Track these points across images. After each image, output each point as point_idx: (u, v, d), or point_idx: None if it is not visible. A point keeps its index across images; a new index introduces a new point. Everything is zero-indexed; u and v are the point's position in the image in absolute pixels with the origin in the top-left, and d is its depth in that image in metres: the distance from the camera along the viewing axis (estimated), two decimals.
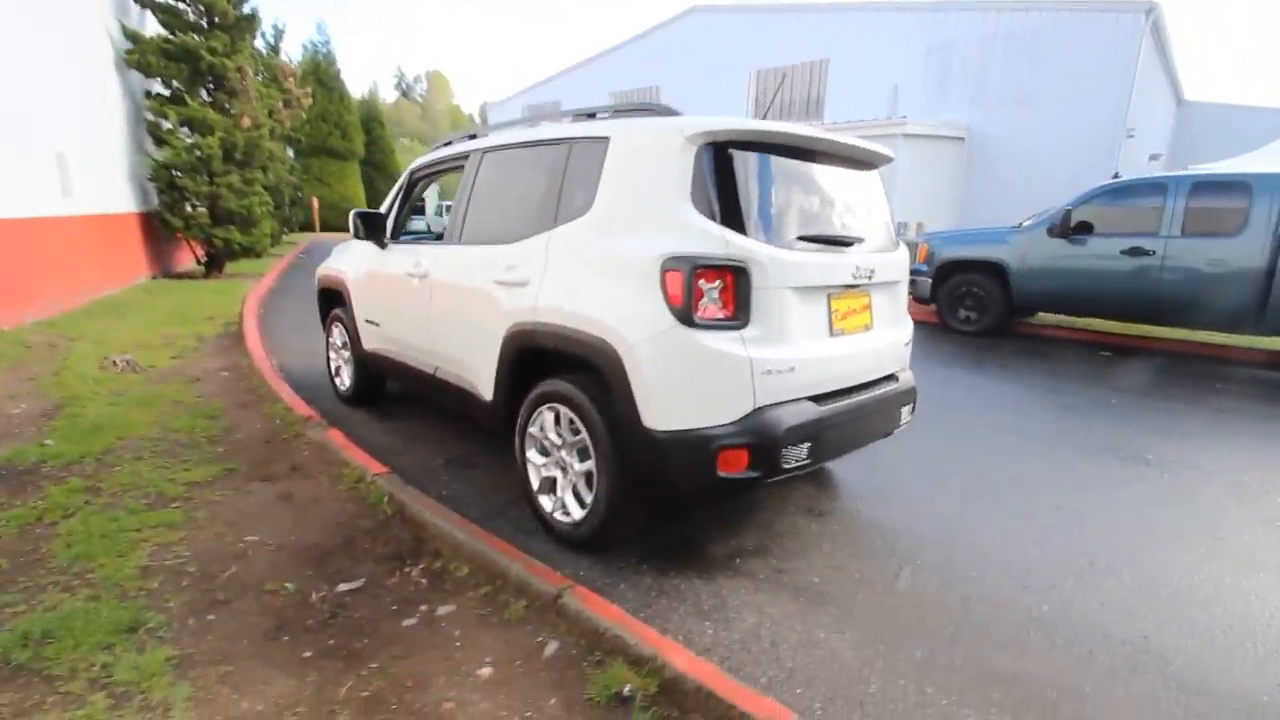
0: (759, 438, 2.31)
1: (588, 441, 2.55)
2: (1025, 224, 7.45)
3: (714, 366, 2.27)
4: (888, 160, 2.93)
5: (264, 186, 10.76)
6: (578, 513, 2.65)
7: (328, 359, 4.87)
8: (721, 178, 2.38)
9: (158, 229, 9.77)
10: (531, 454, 2.87)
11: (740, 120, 2.40)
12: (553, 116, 3.21)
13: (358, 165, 27.55)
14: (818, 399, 2.51)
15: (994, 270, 7.43)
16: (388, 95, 70.84)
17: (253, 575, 2.43)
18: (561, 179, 2.77)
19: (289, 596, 2.31)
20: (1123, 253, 6.51)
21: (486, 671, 1.95)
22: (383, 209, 4.05)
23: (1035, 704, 1.92)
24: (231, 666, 1.93)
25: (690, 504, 3.10)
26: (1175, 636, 2.26)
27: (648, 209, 2.41)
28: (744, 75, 19.85)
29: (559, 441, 2.73)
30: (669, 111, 2.60)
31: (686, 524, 2.93)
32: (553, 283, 2.64)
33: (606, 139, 2.61)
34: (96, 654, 1.92)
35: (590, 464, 2.56)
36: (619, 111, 2.79)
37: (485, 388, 3.06)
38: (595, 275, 2.51)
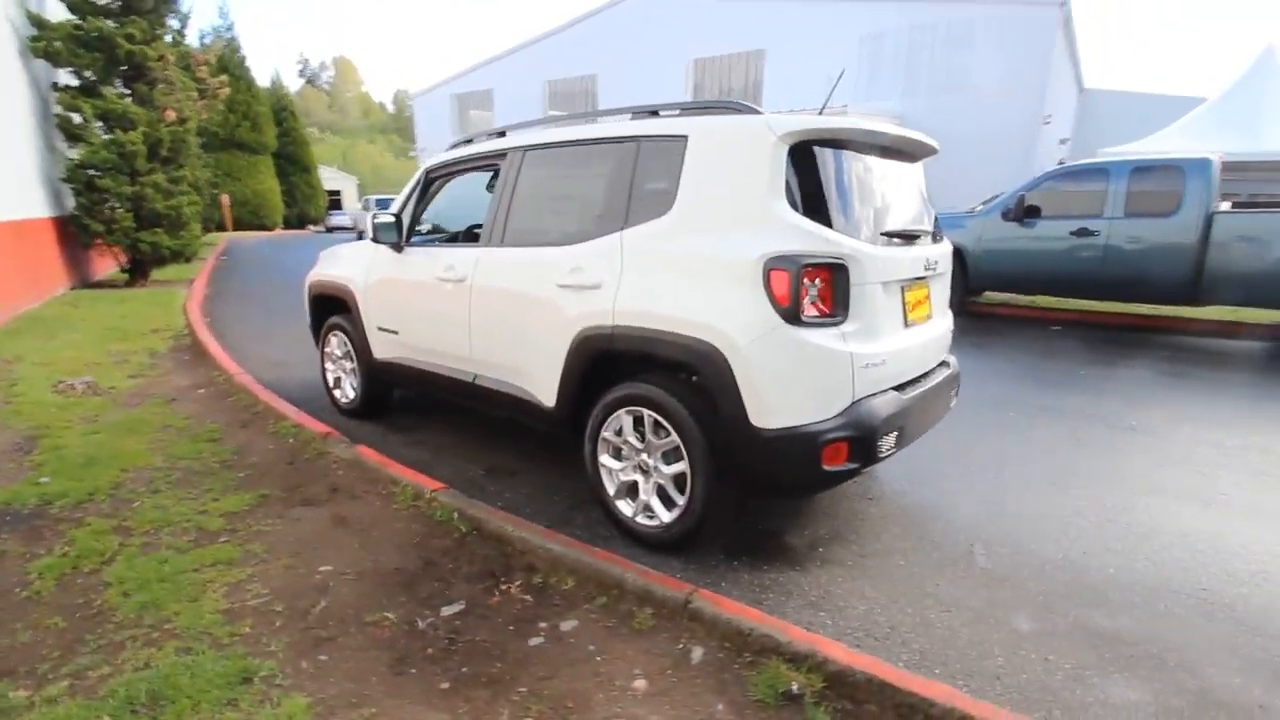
0: (859, 430, 2.38)
1: (679, 443, 2.53)
2: (978, 209, 7.89)
3: (820, 363, 2.32)
4: (934, 152, 3.04)
5: (190, 185, 9.96)
6: (667, 515, 2.64)
7: (323, 370, 4.60)
8: (809, 176, 2.41)
9: (73, 235, 8.87)
10: (605, 459, 2.83)
11: (823, 119, 2.44)
12: (601, 114, 3.14)
13: (270, 159, 25.94)
14: (899, 388, 2.60)
15: (954, 254, 7.84)
16: (292, 83, 66.85)
17: (345, 607, 2.29)
18: (631, 177, 2.72)
19: (394, 626, 2.20)
20: (1071, 234, 7.02)
21: (641, 684, 1.93)
22: (393, 210, 3.85)
23: (1144, 660, 2.08)
24: (375, 708, 1.83)
25: (763, 498, 3.13)
26: (1227, 585, 2.50)
27: (739, 208, 2.42)
28: (682, 64, 19.97)
29: (640, 445, 2.70)
30: (744, 109, 2.60)
31: (756, 517, 2.98)
32: (633, 285, 2.60)
33: (684, 137, 2.58)
34: (223, 712, 1.77)
35: (681, 466, 2.55)
36: (687, 109, 2.76)
37: (545, 394, 2.99)
38: (683, 276, 2.49)
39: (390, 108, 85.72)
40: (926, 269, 2.76)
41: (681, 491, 2.58)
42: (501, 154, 3.33)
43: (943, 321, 3.09)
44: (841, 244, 2.34)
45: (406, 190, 3.87)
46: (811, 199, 2.40)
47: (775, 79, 18.44)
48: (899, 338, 2.60)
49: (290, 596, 2.33)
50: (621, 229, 2.71)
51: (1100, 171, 7.01)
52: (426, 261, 3.63)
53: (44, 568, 2.43)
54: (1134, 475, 3.51)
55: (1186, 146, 11.02)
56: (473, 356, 3.36)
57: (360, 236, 24.49)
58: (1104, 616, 2.30)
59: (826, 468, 2.35)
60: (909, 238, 2.73)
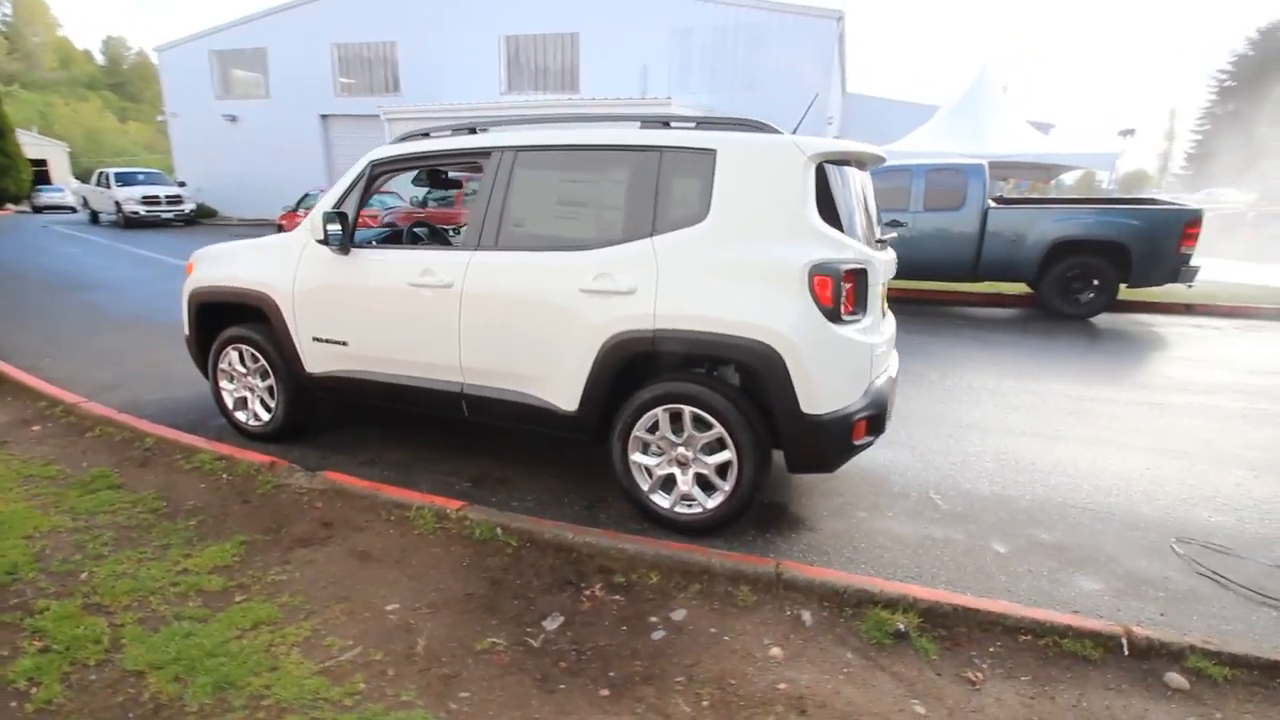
0: (877, 408, 2.83)
1: (723, 434, 2.76)
2: None
3: (852, 355, 2.71)
4: (882, 161, 3.53)
5: None
6: (710, 502, 2.85)
7: (217, 391, 3.98)
8: (825, 190, 2.75)
9: None
10: (636, 456, 2.95)
11: (835, 141, 2.80)
12: (599, 119, 3.16)
13: None
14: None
15: None
16: None
17: (445, 641, 2.18)
18: (655, 186, 2.84)
19: (509, 650, 2.16)
20: (886, 225, 8.37)
21: (776, 651, 2.16)
22: (333, 207, 3.45)
23: (1086, 559, 2.80)
24: None
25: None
26: (1102, 497, 3.38)
27: (777, 219, 2.68)
28: (493, 38, 19.29)
29: (677, 440, 2.88)
30: (764, 127, 2.85)
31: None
32: (674, 289, 2.73)
33: (712, 151, 2.76)
34: None
35: (725, 455, 2.78)
36: (703, 123, 2.93)
37: (564, 399, 3.00)
38: (728, 281, 2.69)
39: (100, 58, 70.13)
40: (891, 269, 3.28)
41: (725, 479, 2.82)
42: (483, 152, 3.20)
43: (891, 315, 3.67)
44: (863, 251, 2.74)
45: (345, 184, 3.50)
46: (829, 211, 2.75)
47: (591, 63, 18.71)
48: (882, 329, 3.09)
49: (379, 642, 2.15)
50: (650, 235, 2.82)
51: (906, 171, 8.42)
52: (390, 265, 3.36)
53: (30, 671, 1.94)
54: (994, 422, 4.48)
55: (930, 148, 13.53)
56: (463, 365, 3.21)
57: (95, 217, 20.16)
58: (1045, 533, 3.03)
59: (856, 442, 2.77)
60: (882, 243, 3.22)
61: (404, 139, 3.51)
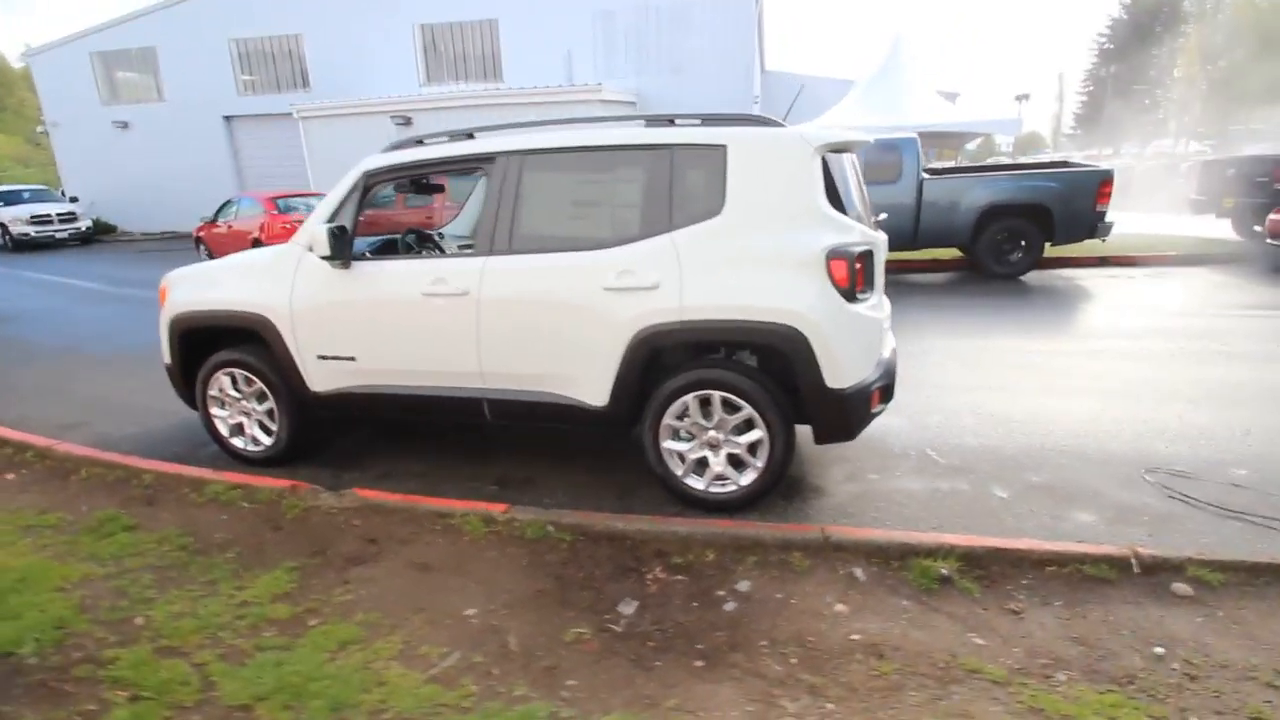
0: (889, 378, 3.08)
1: (752, 415, 2.93)
2: None
3: (867, 331, 2.93)
4: (868, 144, 3.73)
5: None
6: (745, 480, 3.02)
7: (208, 419, 3.84)
8: (830, 178, 2.94)
9: None
10: (668, 443, 3.09)
11: (837, 131, 2.99)
12: (602, 120, 3.22)
13: None
14: None
15: None
16: None
17: (534, 637, 2.26)
18: (669, 183, 2.94)
19: (595, 637, 2.27)
20: None
21: (841, 608, 2.36)
22: (330, 220, 3.38)
23: (1076, 496, 3.14)
24: (674, 700, 1.96)
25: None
26: (1075, 439, 3.75)
27: (790, 208, 2.85)
28: (407, 27, 18.59)
29: (707, 424, 3.03)
30: (767, 121, 3.00)
31: None
32: (698, 281, 2.86)
33: (722, 146, 2.89)
34: None
35: (755, 434, 2.95)
36: (708, 120, 3.04)
37: (594, 395, 3.09)
38: (749, 270, 2.84)
39: None
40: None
41: (756, 457, 2.99)
42: (488, 158, 3.21)
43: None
44: (868, 233, 2.95)
45: (339, 196, 3.43)
46: (832, 196, 2.94)
47: (513, 51, 18.34)
48: (884, 306, 3.32)
49: (472, 645, 2.21)
50: (669, 230, 2.93)
51: None
52: (398, 276, 3.34)
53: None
54: (960, 380, 4.85)
55: (851, 122, 14.08)
56: (484, 371, 3.25)
57: (7, 240, 18.22)
58: (1034, 476, 3.36)
59: (873, 410, 3.00)
60: (878, 224, 3.45)
61: (396, 147, 3.46)
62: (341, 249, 3.27)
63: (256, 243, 12.07)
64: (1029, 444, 3.72)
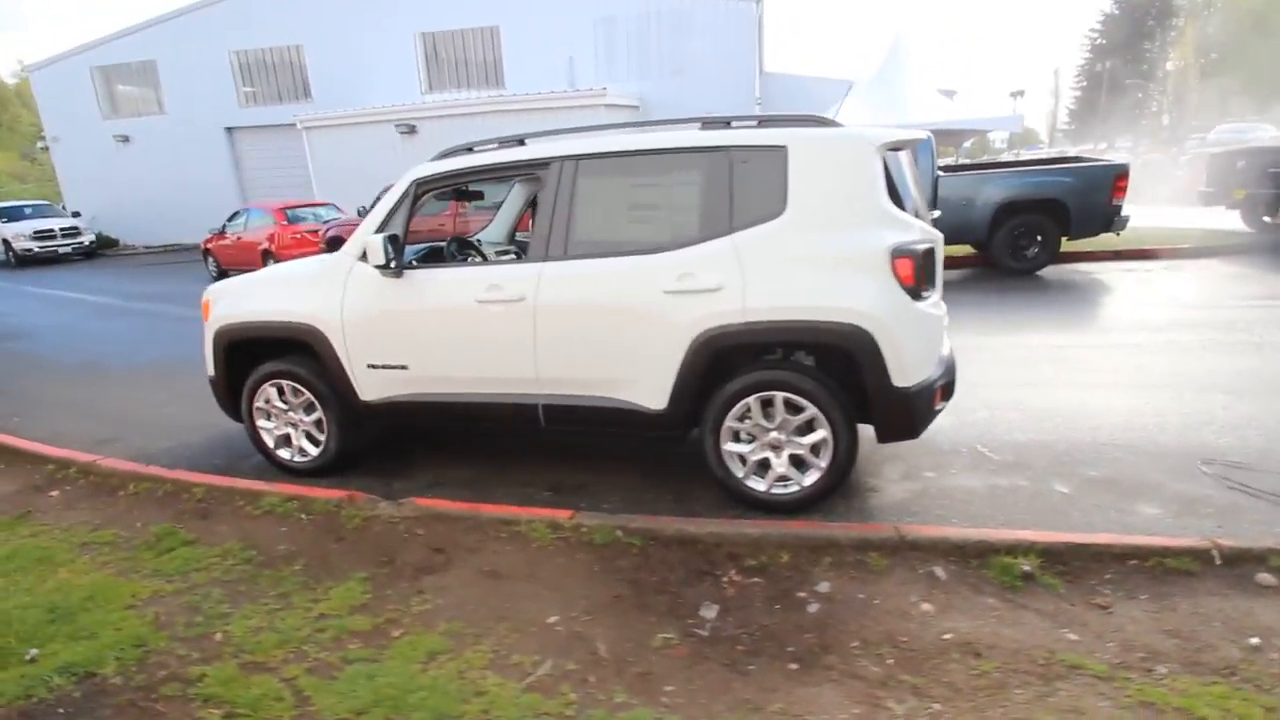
0: (950, 375, 3.08)
1: (816, 414, 2.92)
2: None
3: (932, 328, 2.92)
4: (923, 141, 3.70)
5: None
6: (808, 480, 3.01)
7: (254, 431, 3.82)
8: (890, 177, 2.93)
9: None
10: (729, 445, 3.07)
11: (897, 130, 2.98)
12: (657, 124, 3.22)
13: None
14: None
15: None
16: None
17: (621, 643, 2.24)
18: (729, 185, 2.93)
19: (684, 642, 2.25)
20: None
21: (927, 607, 2.35)
22: (381, 230, 3.37)
23: (1137, 488, 3.13)
24: (780, 704, 1.95)
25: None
26: (1126, 433, 3.73)
27: (854, 208, 2.84)
28: (408, 36, 18.59)
29: (769, 425, 3.01)
30: (826, 121, 3.00)
31: None
32: (761, 283, 2.85)
33: (783, 148, 2.88)
34: None
35: (819, 434, 2.94)
36: (765, 121, 3.04)
37: (652, 399, 3.08)
38: (813, 270, 2.84)
39: None
40: None
41: (819, 456, 2.98)
42: (542, 163, 3.20)
43: None
44: (929, 231, 2.94)
45: (389, 205, 3.41)
46: (893, 195, 2.94)
47: (515, 57, 18.35)
48: (941, 303, 3.32)
49: (561, 653, 2.19)
50: (729, 233, 2.93)
51: None
52: (452, 284, 3.33)
53: None
54: (998, 376, 4.83)
55: (857, 121, 14.13)
56: (540, 377, 3.23)
57: (10, 256, 18.15)
58: (1093, 471, 3.36)
59: (936, 408, 2.99)
60: (935, 221, 3.45)
61: (446, 155, 3.45)
62: (395, 258, 3.25)
63: (266, 254, 12.05)
64: (1079, 438, 3.71)
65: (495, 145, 3.40)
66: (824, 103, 17.36)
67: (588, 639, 2.27)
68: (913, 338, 2.83)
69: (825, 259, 2.83)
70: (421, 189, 3.41)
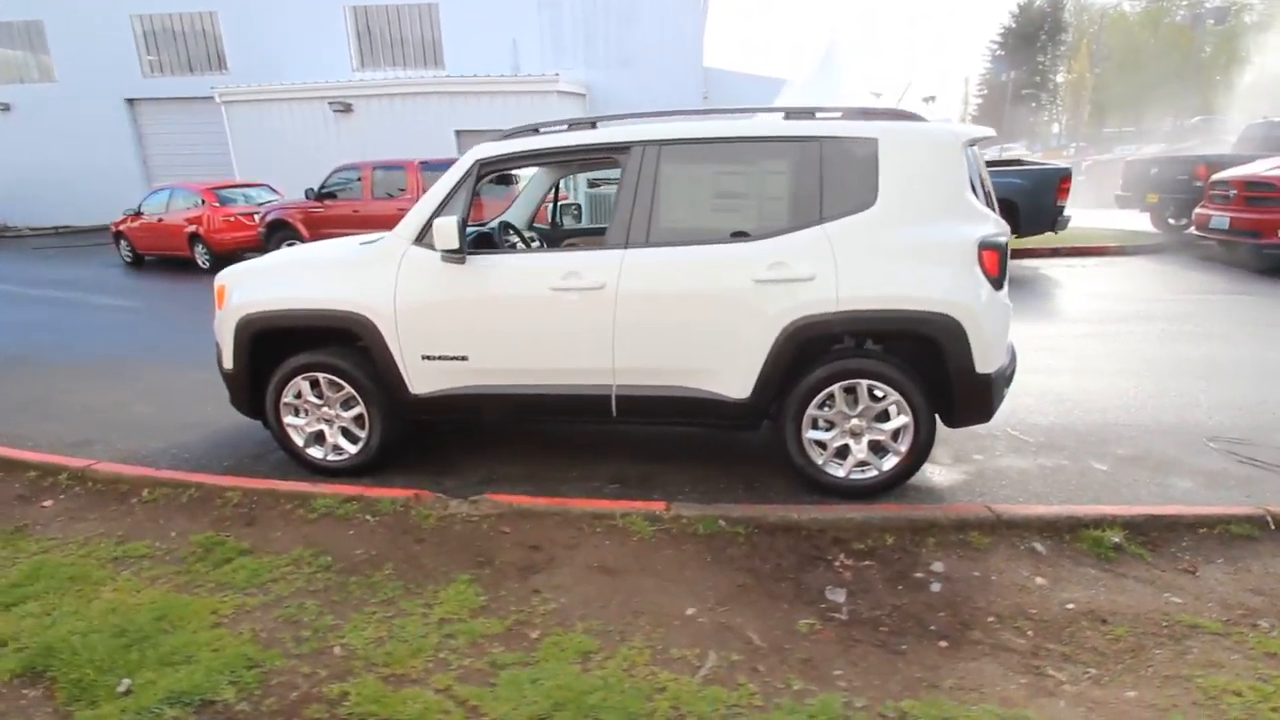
0: (1014, 361, 3.25)
1: (899, 400, 3.01)
2: None
3: (1007, 316, 3.07)
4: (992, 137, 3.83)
5: None
6: (888, 465, 3.11)
7: (281, 427, 3.54)
8: (972, 173, 3.05)
9: None
10: (812, 434, 3.13)
11: (975, 127, 3.09)
12: (740, 111, 3.19)
13: None
14: None
15: None
16: None
17: (771, 631, 2.24)
18: (819, 175, 2.96)
19: (828, 627, 2.28)
20: None
21: (1040, 580, 2.48)
22: (433, 211, 3.18)
23: (1169, 464, 3.43)
24: (951, 680, 2.00)
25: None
26: (1157, 412, 4.07)
27: (941, 201, 2.94)
28: (337, 8, 17.52)
29: (851, 412, 3.08)
30: (909, 115, 3.07)
31: None
32: (854, 273, 2.90)
33: (874, 140, 2.94)
34: None
35: (901, 420, 3.04)
36: (849, 113, 3.08)
37: (734, 388, 3.08)
38: (902, 261, 2.91)
39: None
40: None
41: (898, 441, 3.08)
42: (620, 147, 3.11)
43: None
44: (1001, 223, 3.08)
45: (449, 185, 3.23)
46: (979, 191, 3.06)
47: (455, 36, 17.65)
48: None
49: (717, 644, 2.16)
50: (820, 223, 2.96)
51: None
52: (524, 271, 3.19)
53: None
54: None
55: None
56: (616, 367, 3.16)
57: None
58: (1120, 450, 3.64)
59: (1004, 392, 3.15)
60: None
61: (511, 135, 3.30)
62: (464, 243, 3.07)
63: (194, 237, 11.12)
64: (1095, 420, 4.01)
65: (565, 126, 3.28)
66: (756, 100, 17.73)
67: (735, 629, 2.26)
68: (995, 326, 2.97)
69: (916, 250, 2.92)
70: (485, 169, 3.24)
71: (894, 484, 3.13)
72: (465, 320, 3.23)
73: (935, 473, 3.42)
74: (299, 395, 3.48)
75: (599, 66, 17.41)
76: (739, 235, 3.03)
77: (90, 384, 5.40)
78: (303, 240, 10.31)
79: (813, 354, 3.06)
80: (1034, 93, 49.12)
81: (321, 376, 3.41)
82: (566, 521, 2.90)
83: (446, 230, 2.99)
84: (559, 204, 4.96)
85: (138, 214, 11.97)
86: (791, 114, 3.12)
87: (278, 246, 10.52)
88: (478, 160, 3.22)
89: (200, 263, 11.16)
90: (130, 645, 2.18)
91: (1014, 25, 51.99)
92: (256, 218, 11.09)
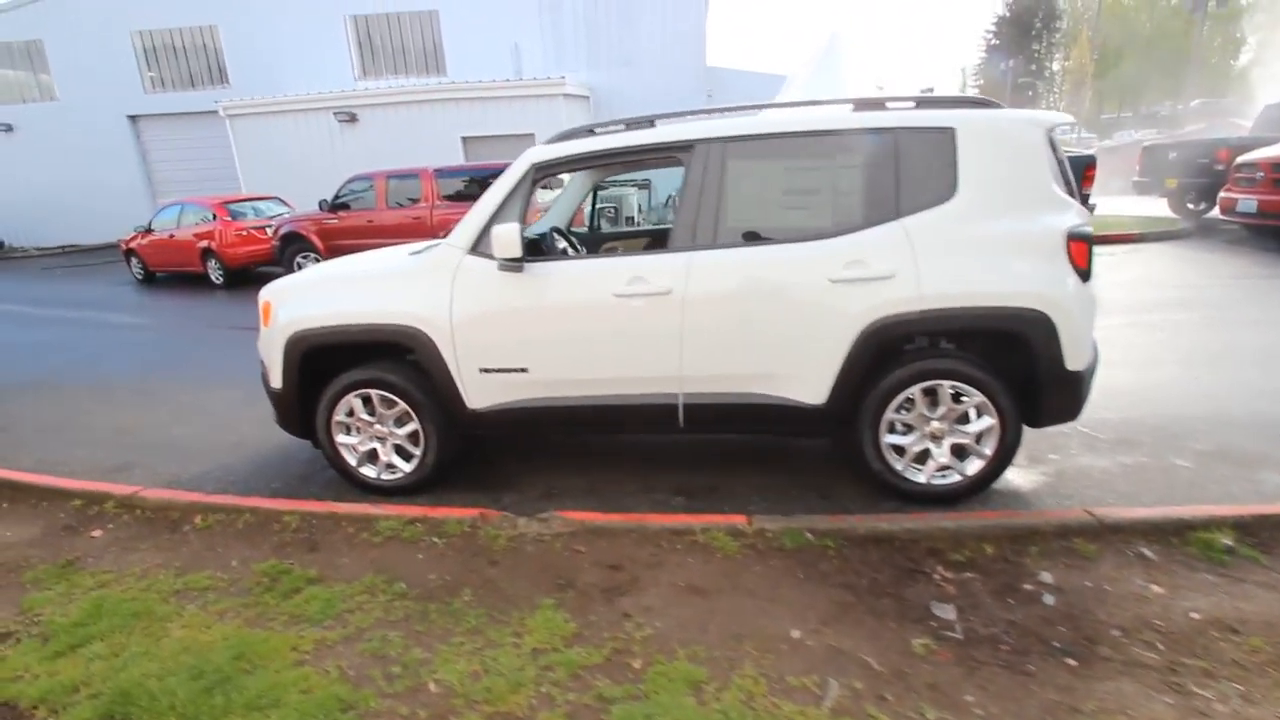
0: (1097, 356, 3.11)
1: (984, 401, 2.89)
2: None
3: (1093, 310, 2.94)
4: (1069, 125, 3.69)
5: None
6: (972, 468, 2.98)
7: (332, 446, 3.42)
8: (1054, 161, 2.92)
9: None
10: (890, 438, 3.00)
11: (1056, 114, 2.97)
12: (805, 104, 3.07)
13: None
14: None
15: None
16: None
17: (886, 654, 2.11)
18: (894, 167, 2.84)
19: (944, 647, 2.15)
20: None
21: (1157, 589, 2.36)
22: (486, 218, 3.07)
23: (1252, 460, 3.30)
24: (1093, 703, 1.88)
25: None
26: (1219, 406, 3.94)
27: (1024, 191, 2.82)
28: (338, 18, 17.42)
29: (932, 414, 2.96)
30: (986, 103, 2.95)
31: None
32: (936, 269, 2.78)
33: (951, 129, 2.82)
34: None
35: (985, 422, 2.91)
36: (923, 102, 2.96)
37: (810, 393, 2.96)
38: (985, 255, 2.79)
39: None
40: None
41: (981, 444, 2.95)
42: (683, 145, 2.99)
43: None
44: (1084, 212, 2.96)
45: (503, 191, 3.11)
46: (1062, 181, 2.93)
47: (456, 42, 17.56)
48: None
49: (833, 670, 2.04)
50: (897, 218, 2.84)
51: None
52: (585, 278, 3.07)
53: None
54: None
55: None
56: (684, 375, 3.04)
57: None
58: (1197, 444, 3.50)
59: (1091, 389, 3.03)
60: None
61: (564, 137, 3.18)
62: (517, 252, 2.95)
63: (207, 252, 11.01)
64: (1163, 414, 3.88)
65: (622, 126, 3.16)
66: (759, 97, 17.59)
67: (847, 653, 2.13)
68: (1084, 320, 2.85)
69: (1000, 243, 2.80)
70: (541, 173, 3.12)
71: (978, 489, 3.01)
72: (524, 331, 3.11)
73: (1013, 475, 3.29)
74: (351, 413, 3.36)
75: (602, 67, 17.30)
76: (811, 233, 2.91)
77: (118, 406, 5.28)
78: (318, 252, 10.22)
79: (891, 355, 2.94)
80: (1031, 81, 49.01)
81: (374, 393, 3.30)
82: (644, 538, 2.78)
83: (507, 238, 2.87)
84: (596, 207, 4.85)
85: (148, 231, 11.87)
86: (860, 105, 3.00)
87: (292, 259, 10.46)
88: (533, 164, 3.10)
89: (214, 278, 11.06)
90: (211, 688, 2.06)
91: (1007, 14, 51.82)
92: (269, 231, 10.99)
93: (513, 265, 3.02)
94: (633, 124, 3.16)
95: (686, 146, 2.99)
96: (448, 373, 3.18)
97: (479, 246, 3.12)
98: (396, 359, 3.38)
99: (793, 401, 3.00)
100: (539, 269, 3.10)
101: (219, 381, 5.70)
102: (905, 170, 2.85)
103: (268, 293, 3.50)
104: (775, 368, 2.98)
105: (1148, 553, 2.55)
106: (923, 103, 2.98)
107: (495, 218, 3.10)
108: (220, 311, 9.62)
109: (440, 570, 2.67)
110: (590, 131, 3.18)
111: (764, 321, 2.93)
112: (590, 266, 3.13)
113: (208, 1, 17.52)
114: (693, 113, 3.17)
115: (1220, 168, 10.10)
